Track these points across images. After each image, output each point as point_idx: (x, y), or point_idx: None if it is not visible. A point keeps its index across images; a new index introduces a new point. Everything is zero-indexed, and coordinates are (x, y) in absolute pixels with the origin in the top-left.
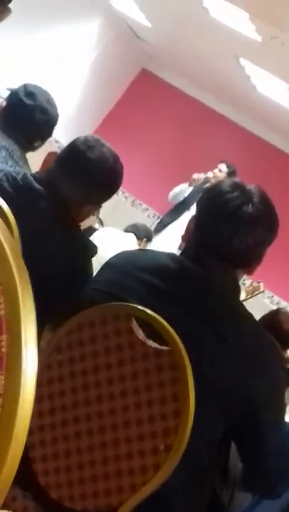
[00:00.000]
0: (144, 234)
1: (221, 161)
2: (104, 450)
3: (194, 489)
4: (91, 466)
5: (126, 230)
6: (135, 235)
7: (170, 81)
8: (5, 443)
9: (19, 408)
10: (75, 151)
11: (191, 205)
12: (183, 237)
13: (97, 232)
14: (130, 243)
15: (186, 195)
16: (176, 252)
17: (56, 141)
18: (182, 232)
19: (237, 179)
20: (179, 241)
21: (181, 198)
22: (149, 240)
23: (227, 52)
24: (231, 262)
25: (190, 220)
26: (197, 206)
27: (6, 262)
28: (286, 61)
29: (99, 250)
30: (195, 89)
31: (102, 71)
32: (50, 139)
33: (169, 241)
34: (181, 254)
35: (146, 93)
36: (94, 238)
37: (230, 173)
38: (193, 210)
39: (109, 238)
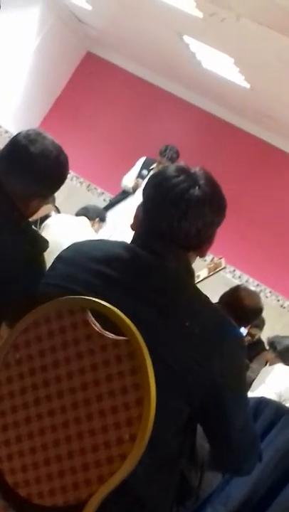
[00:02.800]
0: (95, 214)
1: (165, 146)
2: (69, 444)
3: (162, 475)
4: (58, 462)
5: (77, 214)
6: (86, 217)
7: (116, 63)
8: None
9: None
10: (16, 147)
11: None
12: (132, 226)
13: (48, 219)
14: (83, 226)
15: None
16: (125, 231)
17: (6, 132)
18: (127, 212)
19: (182, 163)
20: (125, 223)
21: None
22: (102, 220)
23: (170, 30)
24: (182, 246)
25: (138, 208)
26: (143, 193)
27: None
28: (227, 36)
29: (52, 237)
30: (142, 69)
31: (47, 57)
32: (0, 129)
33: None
34: (131, 242)
35: (93, 76)
36: (46, 226)
37: (173, 159)
38: (137, 195)
39: (62, 224)
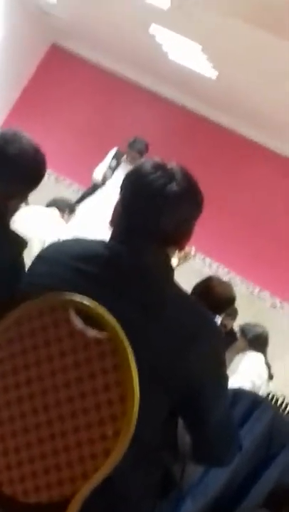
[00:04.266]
0: (64, 206)
1: (134, 138)
2: (53, 442)
3: (145, 469)
4: (42, 459)
5: (47, 206)
6: (57, 208)
7: (83, 54)
8: None
9: None
10: None
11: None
12: (111, 222)
13: (19, 211)
14: (52, 219)
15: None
16: (97, 224)
17: None
18: (98, 204)
19: (157, 159)
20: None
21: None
22: (72, 211)
23: (137, 20)
24: (161, 242)
25: (116, 204)
26: (121, 189)
27: None
28: (195, 25)
29: (23, 229)
30: (108, 60)
31: (11, 51)
32: None
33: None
34: (110, 238)
35: (59, 69)
36: (17, 218)
37: (141, 151)
38: (108, 186)
39: (30, 219)
